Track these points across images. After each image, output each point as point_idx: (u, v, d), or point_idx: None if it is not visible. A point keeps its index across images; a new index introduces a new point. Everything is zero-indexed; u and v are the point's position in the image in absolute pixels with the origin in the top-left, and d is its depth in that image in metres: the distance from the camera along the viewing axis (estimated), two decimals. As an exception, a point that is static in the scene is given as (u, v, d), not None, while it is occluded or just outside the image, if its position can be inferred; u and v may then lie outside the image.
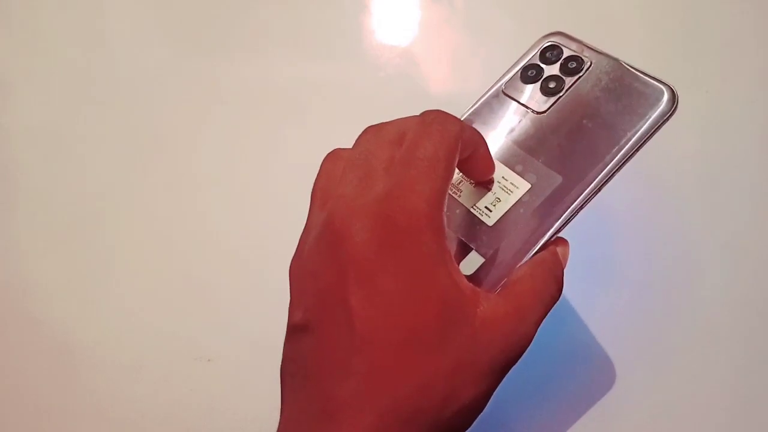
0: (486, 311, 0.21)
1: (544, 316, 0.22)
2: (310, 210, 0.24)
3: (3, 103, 0.43)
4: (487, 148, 0.24)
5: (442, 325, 0.20)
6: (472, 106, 0.27)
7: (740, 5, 0.42)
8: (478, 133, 0.24)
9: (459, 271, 0.21)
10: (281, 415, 0.22)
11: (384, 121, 0.25)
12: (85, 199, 0.40)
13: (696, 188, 0.37)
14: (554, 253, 0.24)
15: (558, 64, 0.26)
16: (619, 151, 0.24)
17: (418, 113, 0.25)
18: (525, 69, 0.27)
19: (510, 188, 0.24)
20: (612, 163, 0.24)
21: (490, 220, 0.24)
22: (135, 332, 0.36)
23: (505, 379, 0.22)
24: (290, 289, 0.23)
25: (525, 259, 0.23)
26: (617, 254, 0.36)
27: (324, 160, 0.25)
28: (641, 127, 0.24)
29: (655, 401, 0.33)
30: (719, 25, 0.42)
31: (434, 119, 0.22)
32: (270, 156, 0.40)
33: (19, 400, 0.36)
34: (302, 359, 0.21)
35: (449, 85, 0.42)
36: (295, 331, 0.22)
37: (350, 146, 0.26)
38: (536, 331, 0.22)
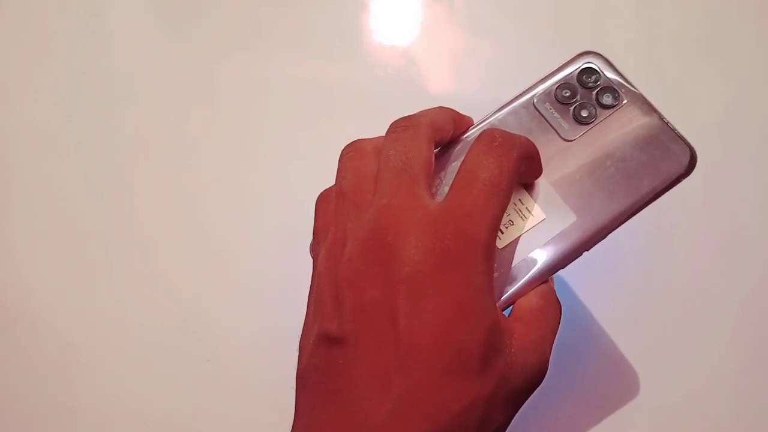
0: (517, 340, 0.21)
1: (553, 345, 0.23)
2: (338, 209, 0.23)
3: (3, 103, 0.43)
4: (539, 160, 0.24)
5: (486, 353, 0.20)
6: (499, 110, 0.27)
7: (741, 5, 0.42)
8: (534, 147, 0.24)
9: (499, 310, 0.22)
10: (296, 423, 0.21)
11: (384, 120, 0.25)
12: (84, 198, 0.40)
13: (699, 186, 0.37)
14: (553, 287, 0.24)
15: (594, 93, 0.26)
16: (633, 204, 0.24)
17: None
18: (560, 86, 0.26)
19: (524, 214, 0.24)
20: (624, 214, 0.24)
21: (500, 243, 0.24)
22: (134, 332, 0.36)
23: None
24: (321, 295, 0.22)
25: (521, 287, 0.23)
26: (624, 255, 0.36)
27: (346, 153, 0.24)
28: (658, 184, 0.24)
29: (665, 403, 0.33)
30: (719, 24, 0.42)
31: (500, 143, 0.22)
32: (270, 156, 0.40)
33: (18, 400, 0.36)
34: (333, 372, 0.20)
35: (449, 85, 0.42)
36: (326, 341, 0.21)
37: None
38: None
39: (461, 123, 0.26)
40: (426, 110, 0.25)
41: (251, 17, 0.45)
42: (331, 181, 0.25)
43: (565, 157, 0.25)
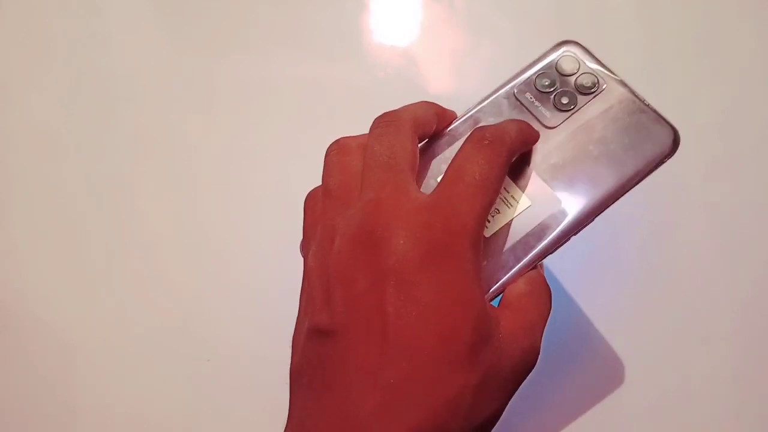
0: (505, 328, 0.21)
1: (544, 330, 0.23)
2: (326, 206, 0.23)
3: (3, 103, 0.43)
4: (533, 135, 0.25)
5: (474, 342, 0.20)
6: (481, 102, 0.27)
7: (741, 5, 0.42)
8: (525, 130, 0.24)
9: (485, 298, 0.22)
10: (290, 418, 0.21)
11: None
12: (84, 199, 0.40)
13: (699, 185, 0.37)
14: (542, 273, 0.24)
15: (573, 79, 0.26)
16: (619, 186, 0.24)
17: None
18: (539, 76, 0.26)
19: (510, 202, 0.24)
20: (610, 196, 0.24)
21: (487, 231, 0.24)
22: (134, 332, 0.36)
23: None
24: (311, 289, 0.22)
25: (509, 276, 0.23)
26: (619, 250, 0.36)
27: (331, 151, 0.24)
28: (642, 166, 0.24)
29: (656, 398, 0.33)
30: (719, 24, 0.42)
31: (490, 141, 0.22)
32: (270, 156, 0.40)
33: (18, 400, 0.36)
34: (324, 365, 0.20)
35: (449, 84, 0.42)
36: (318, 334, 0.21)
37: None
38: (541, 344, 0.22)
39: (444, 117, 0.26)
40: (408, 105, 0.25)
41: (251, 17, 0.45)
42: (330, 181, 0.25)
43: (549, 144, 0.25)
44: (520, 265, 0.23)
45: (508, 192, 0.25)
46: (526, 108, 0.26)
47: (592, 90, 0.26)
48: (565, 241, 0.24)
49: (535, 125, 0.26)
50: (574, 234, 0.24)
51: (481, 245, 0.21)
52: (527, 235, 0.24)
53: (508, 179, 0.25)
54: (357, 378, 0.20)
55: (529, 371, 0.22)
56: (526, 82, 0.27)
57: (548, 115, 0.26)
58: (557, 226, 0.24)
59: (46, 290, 0.38)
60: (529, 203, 0.24)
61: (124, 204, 0.40)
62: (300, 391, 0.21)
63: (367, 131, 0.25)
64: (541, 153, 0.25)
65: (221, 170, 0.40)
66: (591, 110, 0.26)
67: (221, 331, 0.36)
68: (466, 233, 0.20)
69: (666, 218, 0.36)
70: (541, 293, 0.23)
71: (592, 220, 0.24)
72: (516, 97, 0.26)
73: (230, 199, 0.39)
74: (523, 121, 0.25)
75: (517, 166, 0.25)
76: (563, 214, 0.24)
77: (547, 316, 0.23)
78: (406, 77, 0.42)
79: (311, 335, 0.21)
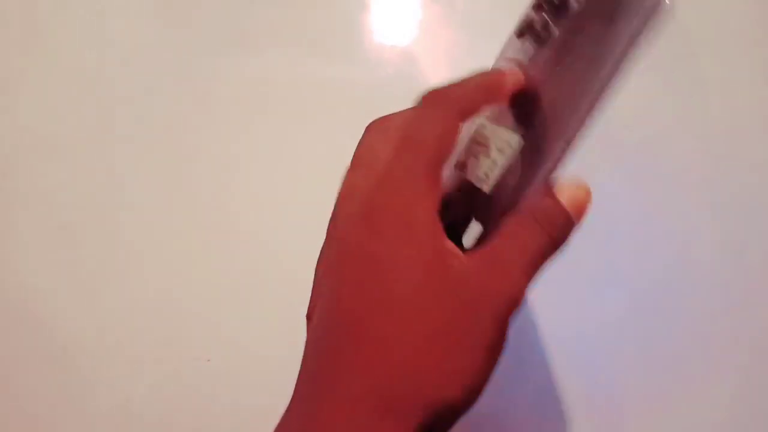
0: (462, 269, 0.20)
1: (535, 267, 0.21)
2: (350, 178, 0.24)
3: (3, 103, 0.43)
4: (518, 79, 0.24)
5: (425, 283, 0.20)
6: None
7: (742, 4, 0.42)
8: (494, 83, 0.24)
9: (444, 237, 0.21)
10: (289, 404, 0.22)
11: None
12: (84, 199, 0.40)
13: (696, 186, 0.37)
14: (546, 198, 0.22)
15: (546, 9, 0.25)
16: (608, 72, 0.21)
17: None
18: (519, 26, 0.26)
19: (503, 147, 0.23)
20: (605, 79, 0.21)
21: (487, 187, 0.23)
22: (135, 332, 0.36)
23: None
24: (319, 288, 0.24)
25: (530, 191, 0.22)
26: (615, 257, 0.36)
27: (370, 127, 0.25)
28: (632, 34, 0.22)
29: (655, 406, 0.33)
30: (719, 22, 0.42)
31: (428, 103, 0.23)
32: (270, 156, 0.40)
33: (18, 401, 0.36)
34: (315, 353, 0.22)
35: (449, 84, 0.42)
36: (307, 321, 0.23)
37: (351, 146, 0.26)
38: (526, 286, 0.21)
39: (497, 92, 0.24)
40: (463, 82, 0.24)
41: (251, 17, 0.45)
42: (331, 181, 0.25)
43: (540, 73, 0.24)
44: (523, 198, 0.22)
45: (501, 138, 0.23)
46: (507, 57, 0.25)
47: (567, 9, 0.24)
48: (567, 151, 0.21)
49: (515, 66, 0.24)
50: (575, 140, 0.21)
51: (433, 203, 0.21)
52: (525, 168, 0.22)
53: (497, 128, 0.24)
54: (319, 350, 0.21)
55: (508, 314, 0.20)
56: (509, 39, 0.26)
57: (526, 52, 0.25)
58: (550, 143, 0.21)
59: (46, 290, 0.38)
60: (518, 137, 0.23)
61: (124, 204, 0.40)
62: (300, 377, 0.22)
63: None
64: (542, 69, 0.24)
65: (220, 169, 0.40)
66: (571, 27, 0.24)
67: (221, 331, 0.36)
68: (406, 197, 0.21)
69: (666, 218, 0.36)
70: (526, 224, 0.21)
71: (596, 109, 0.21)
72: (503, 57, 0.26)
73: (229, 199, 0.39)
74: (493, 73, 0.24)
75: (503, 113, 0.24)
76: (554, 130, 0.22)
77: (537, 250, 0.21)
78: (406, 77, 0.42)
79: (307, 322, 0.23)
